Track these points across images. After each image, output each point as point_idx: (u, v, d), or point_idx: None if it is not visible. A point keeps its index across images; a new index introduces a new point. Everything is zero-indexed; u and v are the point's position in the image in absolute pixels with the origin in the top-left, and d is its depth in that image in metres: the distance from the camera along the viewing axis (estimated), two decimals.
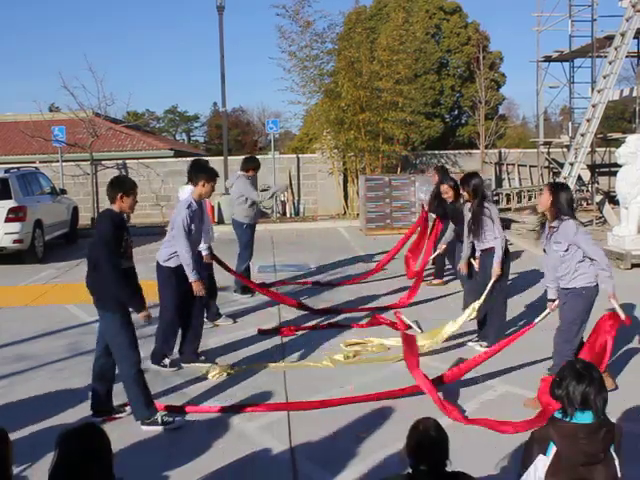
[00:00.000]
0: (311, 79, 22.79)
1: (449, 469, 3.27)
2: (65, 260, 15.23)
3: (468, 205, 8.03)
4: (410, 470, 3.28)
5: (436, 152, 25.96)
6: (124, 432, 5.67)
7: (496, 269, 7.61)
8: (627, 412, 5.74)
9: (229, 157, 22.82)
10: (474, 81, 27.69)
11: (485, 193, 7.92)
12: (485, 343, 7.81)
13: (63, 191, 18.61)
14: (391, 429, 5.56)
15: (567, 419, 3.33)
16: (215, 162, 24.03)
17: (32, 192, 15.82)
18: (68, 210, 18.04)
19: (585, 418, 3.31)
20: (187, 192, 7.76)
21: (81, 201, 21.61)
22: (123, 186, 5.87)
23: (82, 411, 6.12)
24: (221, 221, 21.58)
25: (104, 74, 28.51)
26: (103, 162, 23.85)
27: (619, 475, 3.34)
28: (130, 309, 5.84)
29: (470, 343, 8.03)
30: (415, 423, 3.37)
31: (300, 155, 25.35)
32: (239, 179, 10.62)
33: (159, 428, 5.78)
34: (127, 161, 23.95)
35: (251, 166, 10.76)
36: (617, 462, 3.34)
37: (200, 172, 7.42)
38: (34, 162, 23.20)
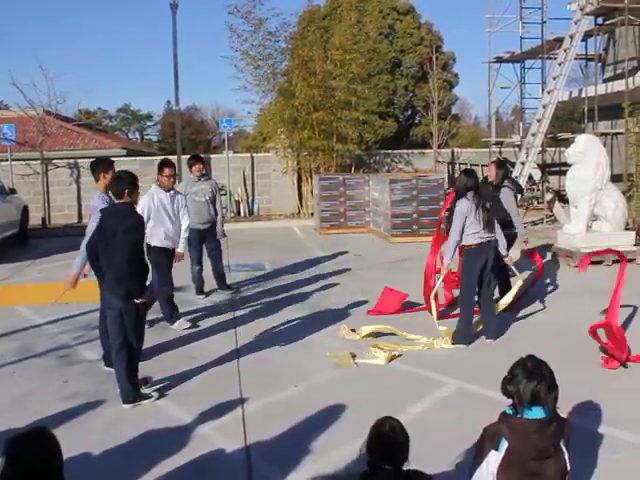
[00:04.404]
0: (265, 78, 22.76)
1: (406, 467, 3.30)
2: (15, 261, 14.95)
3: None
4: (367, 468, 3.30)
5: (389, 151, 26.08)
6: (78, 435, 5.60)
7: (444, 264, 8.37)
8: (576, 407, 5.85)
9: (183, 156, 22.58)
10: (427, 81, 27.90)
11: (461, 193, 8.05)
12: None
13: (13, 190, 18.23)
14: (348, 427, 5.57)
15: (518, 415, 3.39)
16: None
17: None
18: (18, 210, 17.68)
19: (535, 413, 3.36)
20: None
21: (31, 201, 21.21)
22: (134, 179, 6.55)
23: (33, 415, 6.02)
24: None
25: (55, 72, 28.11)
26: (54, 161, 23.45)
27: (569, 469, 3.41)
28: None
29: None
30: (379, 422, 3.38)
31: (254, 154, 25.24)
32: None
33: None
34: (79, 160, 23.56)
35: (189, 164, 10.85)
36: (567, 456, 3.41)
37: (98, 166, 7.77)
38: None
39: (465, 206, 7.87)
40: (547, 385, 3.38)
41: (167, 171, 8.90)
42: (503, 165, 10.03)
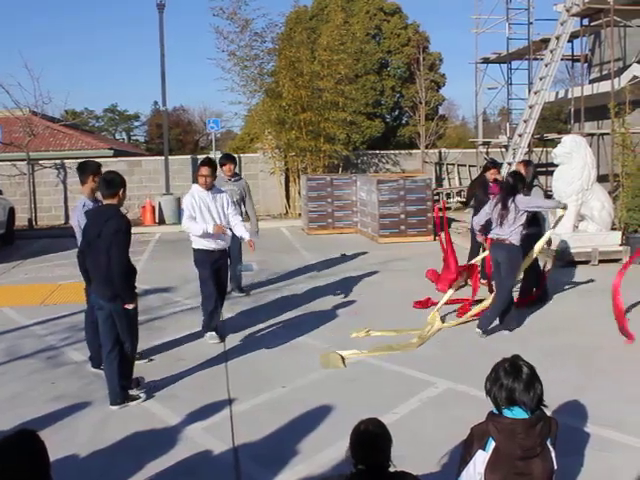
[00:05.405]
0: (252, 79, 22.76)
1: (392, 469, 3.29)
2: (2, 262, 14.87)
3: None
4: (353, 470, 3.30)
5: (377, 152, 26.12)
6: (65, 436, 5.58)
7: None
8: (562, 406, 5.88)
9: (170, 157, 22.58)
10: (414, 82, 27.97)
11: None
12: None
13: None
14: (337, 428, 5.55)
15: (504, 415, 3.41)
16: (156, 162, 23.88)
17: None
18: (4, 211, 17.61)
19: (517, 413, 3.37)
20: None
21: (18, 202, 21.12)
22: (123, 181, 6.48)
23: (20, 417, 5.99)
24: (162, 221, 21.37)
25: (41, 72, 28.04)
26: (40, 162, 23.36)
27: (555, 467, 3.42)
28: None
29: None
30: (358, 423, 3.38)
31: (242, 155, 25.21)
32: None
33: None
34: (66, 161, 23.46)
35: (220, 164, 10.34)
36: (553, 455, 3.42)
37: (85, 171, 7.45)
38: None
39: (488, 204, 8.64)
40: (523, 386, 3.37)
41: (202, 170, 8.37)
42: (531, 164, 10.20)
